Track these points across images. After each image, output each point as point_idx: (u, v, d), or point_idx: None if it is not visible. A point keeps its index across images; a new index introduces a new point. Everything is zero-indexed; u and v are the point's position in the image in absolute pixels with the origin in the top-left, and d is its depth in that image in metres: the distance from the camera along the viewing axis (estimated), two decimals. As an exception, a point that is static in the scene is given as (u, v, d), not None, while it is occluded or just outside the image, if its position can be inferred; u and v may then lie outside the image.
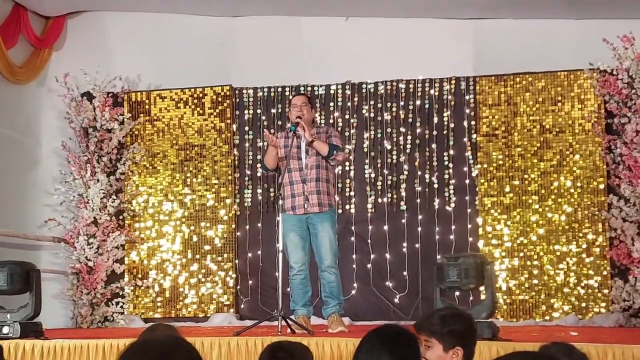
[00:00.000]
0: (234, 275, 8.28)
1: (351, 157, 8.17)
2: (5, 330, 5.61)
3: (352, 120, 8.31)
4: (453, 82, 8.14)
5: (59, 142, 8.49)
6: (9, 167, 8.33)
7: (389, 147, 8.21)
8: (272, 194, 8.26)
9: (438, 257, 7.64)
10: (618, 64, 7.43)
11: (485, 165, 7.99)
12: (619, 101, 7.46)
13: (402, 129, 8.20)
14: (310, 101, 6.50)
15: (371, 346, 2.63)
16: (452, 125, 8.11)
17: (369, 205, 8.17)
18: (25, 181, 8.57)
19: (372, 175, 8.21)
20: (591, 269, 7.64)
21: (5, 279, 5.73)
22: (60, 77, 8.40)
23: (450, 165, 8.06)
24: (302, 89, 8.27)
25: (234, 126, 8.50)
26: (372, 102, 8.29)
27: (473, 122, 8.07)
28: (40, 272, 6.02)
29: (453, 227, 7.99)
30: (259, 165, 8.35)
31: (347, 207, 8.19)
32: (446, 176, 8.05)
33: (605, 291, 7.54)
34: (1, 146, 8.22)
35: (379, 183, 8.19)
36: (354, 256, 8.11)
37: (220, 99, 8.52)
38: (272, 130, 6.29)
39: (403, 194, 8.13)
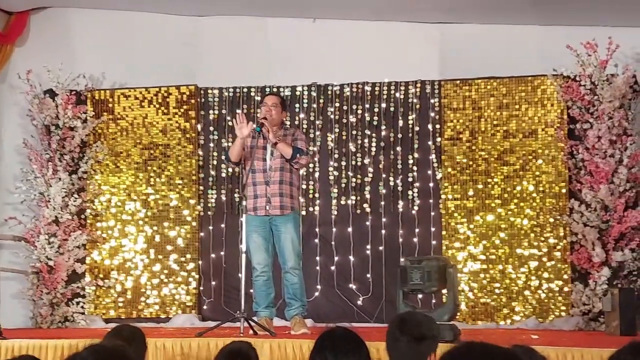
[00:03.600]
0: (196, 276, 8.23)
1: (316, 159, 8.18)
2: (-39, 330, 5.52)
3: (317, 122, 8.31)
4: (418, 85, 8.18)
5: (21, 139, 8.36)
6: (-32, 164, 8.20)
7: (353, 149, 8.23)
8: (236, 195, 8.22)
9: (401, 259, 7.66)
10: (581, 70, 7.52)
11: (449, 169, 8.04)
12: (582, 107, 7.56)
13: (367, 132, 8.22)
14: (282, 103, 6.50)
15: (322, 349, 2.66)
16: (417, 128, 8.15)
17: (333, 208, 8.18)
18: (-15, 179, 8.44)
19: (337, 177, 8.22)
20: (552, 273, 7.73)
21: (-38, 277, 5.64)
22: (22, 73, 8.29)
23: (415, 168, 8.10)
24: (267, 89, 8.25)
25: (199, 126, 8.45)
26: (337, 104, 8.30)
27: (438, 126, 8.12)
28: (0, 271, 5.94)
29: (417, 230, 8.03)
30: (223, 165, 8.31)
31: (311, 209, 8.19)
32: (410, 179, 8.09)
33: (566, 295, 7.63)
34: (-39, 143, 8.09)
35: (343, 185, 8.20)
36: (317, 258, 8.11)
37: (185, 99, 8.47)
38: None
39: (367, 196, 8.15)
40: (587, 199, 7.38)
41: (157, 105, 8.47)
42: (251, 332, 5.70)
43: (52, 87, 8.31)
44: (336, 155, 8.24)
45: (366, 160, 8.19)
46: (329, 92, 8.33)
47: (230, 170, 8.24)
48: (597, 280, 7.25)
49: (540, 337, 6.00)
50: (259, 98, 8.16)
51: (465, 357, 2.01)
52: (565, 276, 7.67)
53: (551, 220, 7.74)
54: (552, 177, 7.82)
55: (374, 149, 8.19)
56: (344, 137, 8.25)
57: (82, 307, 8.13)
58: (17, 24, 8.64)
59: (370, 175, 8.16)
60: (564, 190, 7.75)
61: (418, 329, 2.90)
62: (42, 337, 5.74)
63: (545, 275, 7.73)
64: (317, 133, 8.29)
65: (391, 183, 8.12)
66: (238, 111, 6.76)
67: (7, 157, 8.58)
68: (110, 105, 8.52)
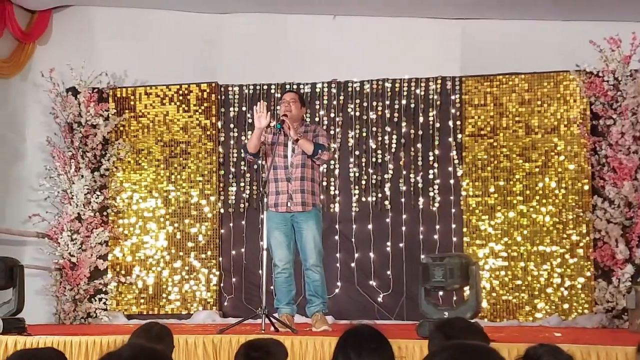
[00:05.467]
0: (217, 273, 8.26)
1: (336, 156, 8.17)
2: (-13, 326, 5.57)
3: (337, 119, 8.30)
4: (439, 81, 8.15)
5: (44, 137, 8.43)
6: (-8, 162, 8.27)
7: (374, 146, 8.21)
8: (255, 191, 8.24)
9: (422, 256, 7.62)
10: (604, 66, 7.46)
11: (470, 166, 8.01)
12: (605, 103, 7.50)
13: (388, 128, 8.21)
14: (301, 99, 6.48)
15: (346, 346, 2.65)
16: (437, 125, 8.12)
17: (354, 204, 8.17)
18: (10, 176, 8.52)
19: (357, 174, 8.21)
20: (575, 270, 7.68)
21: (-12, 274, 5.69)
22: (45, 71, 8.35)
23: (435, 165, 8.08)
24: (287, 86, 8.26)
25: (219, 123, 8.47)
26: (357, 101, 8.29)
27: (458, 122, 8.09)
28: (24, 267, 5.99)
29: (437, 226, 8.01)
30: (243, 162, 8.33)
31: (332, 206, 8.19)
32: (431, 176, 8.07)
33: (589, 292, 7.58)
34: (-15, 141, 8.17)
35: (364, 182, 8.19)
36: (338, 255, 8.11)
37: (205, 96, 8.49)
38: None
39: (387, 193, 8.14)
40: (610, 196, 7.33)
41: (178, 103, 8.51)
42: (272, 328, 5.70)
43: (75, 85, 8.37)
44: (356, 153, 8.23)
45: (386, 157, 8.17)
46: (349, 89, 8.32)
47: (245, 163, 8.24)
48: (620, 278, 7.20)
49: (563, 335, 5.96)
50: (279, 95, 8.17)
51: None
52: (588, 273, 7.62)
53: (574, 217, 7.69)
54: (575, 173, 7.77)
55: (394, 145, 8.17)
56: (364, 134, 8.24)
57: (105, 303, 8.19)
58: (39, 22, 8.71)
59: (390, 172, 8.15)
60: (586, 187, 7.69)
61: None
62: (65, 334, 5.77)
63: (568, 272, 7.68)
64: (338, 130, 8.28)
65: (412, 180, 8.10)
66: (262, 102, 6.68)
67: (30, 155, 8.66)
68: (131, 102, 8.57)
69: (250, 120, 8.33)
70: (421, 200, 8.06)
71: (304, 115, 6.60)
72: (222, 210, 8.36)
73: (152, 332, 3.54)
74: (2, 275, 5.73)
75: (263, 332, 5.51)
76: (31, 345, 5.42)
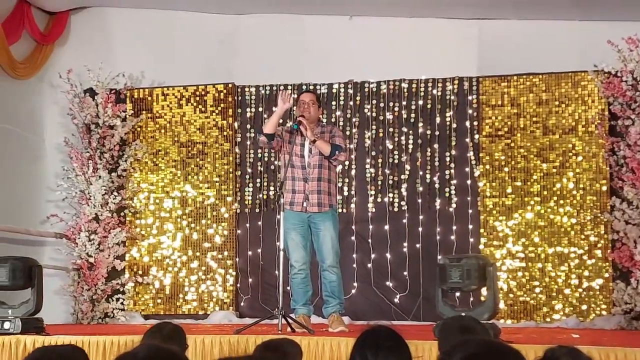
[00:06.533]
0: (234, 273, 8.28)
1: (352, 157, 8.16)
2: (6, 325, 5.61)
3: (354, 120, 8.30)
4: (456, 82, 8.13)
5: (62, 138, 8.48)
6: (12, 163, 8.32)
7: (390, 146, 8.20)
8: (272, 192, 8.25)
9: (439, 257, 7.62)
10: (623, 66, 7.42)
11: (487, 166, 7.98)
12: (623, 103, 7.45)
13: (404, 129, 8.19)
14: (318, 99, 6.49)
15: (363, 347, 2.64)
16: (454, 125, 8.10)
17: (370, 205, 8.17)
18: (28, 177, 8.57)
19: (374, 174, 8.20)
20: (593, 271, 7.63)
21: (7, 274, 5.73)
22: (63, 73, 8.40)
23: (452, 165, 8.05)
24: (304, 87, 8.26)
25: (236, 124, 8.49)
26: (374, 102, 8.28)
27: (475, 123, 8.06)
28: (42, 267, 6.02)
29: (454, 227, 7.98)
30: (259, 163, 8.35)
31: (348, 206, 8.18)
32: (448, 176, 8.05)
33: (607, 293, 7.53)
34: (4, 141, 8.22)
35: (380, 183, 8.18)
36: (354, 255, 8.10)
37: (222, 97, 8.51)
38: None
39: (404, 193, 8.12)
40: (628, 197, 7.28)
41: (195, 104, 8.53)
42: (289, 329, 5.71)
43: (92, 86, 8.41)
44: (373, 153, 8.22)
45: (403, 158, 8.16)
46: (366, 90, 8.31)
47: (261, 164, 8.25)
48: (639, 279, 7.15)
49: (581, 337, 5.93)
50: (295, 96, 8.16)
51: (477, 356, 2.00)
52: (606, 274, 7.57)
53: (592, 218, 7.64)
54: (593, 174, 7.72)
55: (411, 146, 8.15)
56: (380, 135, 8.23)
57: (122, 303, 8.23)
58: (57, 24, 8.76)
59: (407, 172, 8.13)
60: (604, 188, 7.65)
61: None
62: (83, 334, 5.80)
63: (586, 273, 7.64)
64: (354, 131, 8.27)
65: (428, 180, 8.08)
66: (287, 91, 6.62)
67: (48, 156, 8.71)
68: (149, 103, 8.60)
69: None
70: (438, 201, 8.04)
71: (320, 116, 6.62)
72: (238, 211, 8.38)
73: (163, 331, 3.55)
74: (21, 276, 5.76)
75: (280, 332, 5.51)
76: (50, 344, 5.45)
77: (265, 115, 8.37)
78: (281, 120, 6.34)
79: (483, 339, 2.13)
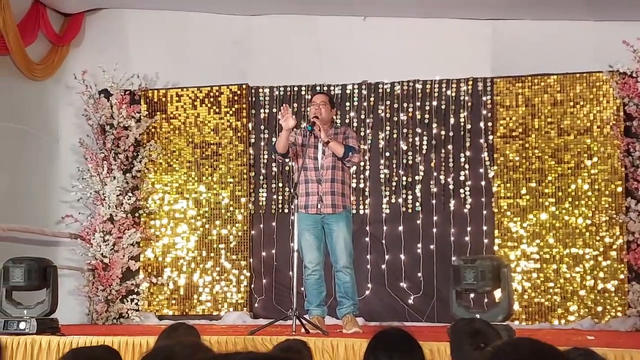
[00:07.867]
0: (248, 274, 8.29)
1: (366, 157, 8.16)
2: (22, 326, 5.65)
3: (367, 120, 8.29)
4: (470, 82, 8.11)
5: (77, 138, 8.52)
6: (27, 163, 8.37)
7: (404, 147, 8.19)
8: (287, 193, 8.25)
9: (453, 258, 7.61)
10: (638, 66, 7.38)
11: (501, 167, 7.96)
12: (639, 104, 7.41)
13: (418, 130, 8.18)
14: (330, 101, 6.48)
15: (376, 349, 2.64)
16: (468, 126, 8.08)
17: (384, 206, 8.16)
18: (43, 177, 8.61)
19: (387, 175, 8.19)
20: (608, 273, 7.59)
21: (22, 275, 5.76)
22: (78, 74, 8.44)
23: (467, 166, 8.03)
24: (318, 88, 8.26)
25: (250, 125, 8.50)
26: (388, 102, 8.27)
27: (490, 124, 8.04)
28: (57, 268, 6.05)
29: (468, 228, 7.96)
30: (274, 164, 8.36)
31: (362, 207, 8.18)
32: (462, 177, 8.02)
33: (622, 295, 7.49)
34: (20, 142, 8.27)
35: (394, 183, 8.17)
36: (368, 256, 8.10)
37: (236, 98, 8.53)
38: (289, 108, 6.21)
39: (418, 194, 8.11)
40: (644, 198, 7.24)
41: (209, 105, 8.56)
42: (303, 330, 5.71)
43: (107, 87, 8.45)
44: (387, 154, 8.21)
45: (417, 159, 8.15)
46: (380, 91, 8.30)
47: (276, 165, 8.28)
48: (654, 281, 7.11)
49: (597, 338, 5.90)
50: (309, 97, 8.17)
51: (514, 355, 1.98)
52: (621, 276, 7.53)
53: (607, 219, 7.60)
54: (608, 175, 7.68)
55: (425, 147, 8.14)
56: (394, 136, 8.22)
57: (136, 304, 8.26)
58: (72, 25, 8.80)
59: (421, 173, 8.12)
60: (619, 189, 7.61)
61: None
62: (98, 334, 5.83)
63: (601, 275, 7.60)
64: (368, 131, 8.27)
65: (442, 181, 8.07)
66: (285, 106, 6.68)
67: (63, 156, 8.75)
68: (163, 104, 8.63)
69: (281, 122, 8.34)
70: (452, 201, 8.02)
71: (334, 117, 6.61)
72: (252, 212, 8.39)
73: (177, 332, 3.56)
74: (36, 276, 5.80)
75: (294, 333, 5.52)
76: (64, 345, 5.48)
77: (279, 117, 8.35)
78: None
79: (529, 340, 2.08)
